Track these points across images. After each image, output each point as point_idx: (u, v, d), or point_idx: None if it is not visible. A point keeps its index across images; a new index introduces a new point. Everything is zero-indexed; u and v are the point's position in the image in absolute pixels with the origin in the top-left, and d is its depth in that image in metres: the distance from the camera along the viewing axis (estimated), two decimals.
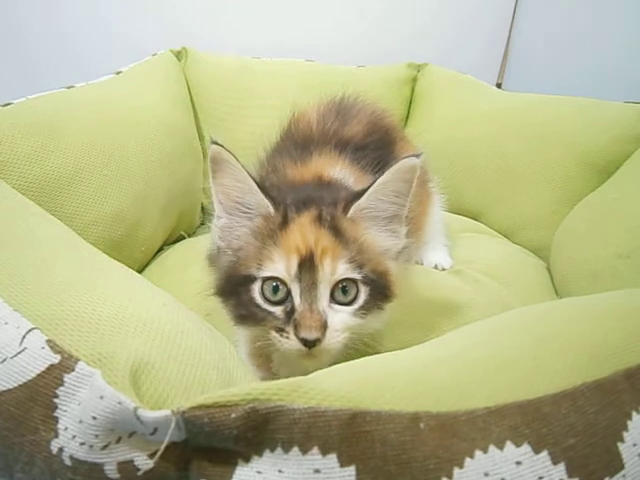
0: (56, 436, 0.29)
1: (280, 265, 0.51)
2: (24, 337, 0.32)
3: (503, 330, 0.41)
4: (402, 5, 1.48)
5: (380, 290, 0.53)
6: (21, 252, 0.42)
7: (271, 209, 0.54)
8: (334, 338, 0.50)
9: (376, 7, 1.47)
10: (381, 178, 0.52)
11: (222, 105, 1.08)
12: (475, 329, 0.42)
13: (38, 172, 0.63)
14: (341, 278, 0.51)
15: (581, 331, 0.39)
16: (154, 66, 0.99)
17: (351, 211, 0.54)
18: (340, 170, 0.65)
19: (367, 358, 0.37)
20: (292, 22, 1.40)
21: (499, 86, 1.55)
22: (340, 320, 0.51)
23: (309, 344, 0.49)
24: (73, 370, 0.30)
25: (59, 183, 0.65)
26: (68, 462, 0.29)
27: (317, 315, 0.50)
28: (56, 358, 0.31)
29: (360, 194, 0.54)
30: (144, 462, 0.29)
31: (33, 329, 0.33)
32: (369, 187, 0.53)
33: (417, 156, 0.51)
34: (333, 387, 0.30)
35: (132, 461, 0.29)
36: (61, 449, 0.29)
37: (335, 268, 0.51)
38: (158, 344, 0.34)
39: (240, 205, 0.55)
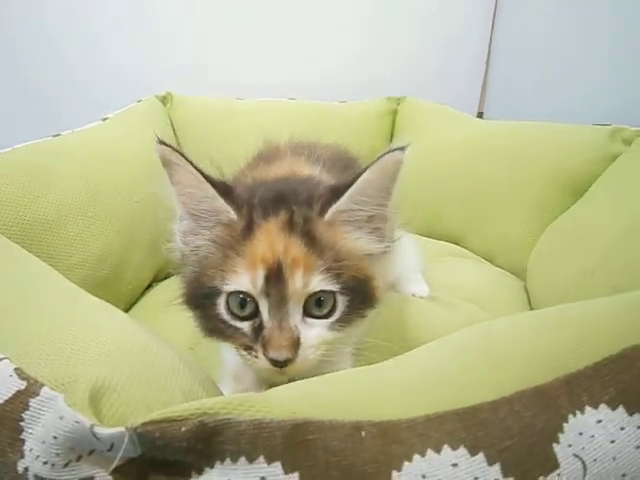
0: (22, 457, 0.31)
1: (245, 278, 0.46)
2: None
3: (451, 345, 0.43)
4: (381, 41, 1.55)
5: (362, 298, 0.49)
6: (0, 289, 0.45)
7: (232, 215, 0.49)
8: (308, 355, 0.47)
9: (356, 44, 1.53)
10: (363, 176, 0.47)
11: (207, 146, 1.12)
12: (426, 347, 0.44)
13: (22, 216, 0.66)
14: (315, 291, 0.47)
15: (526, 340, 0.41)
16: (140, 111, 1.04)
17: (329, 213, 0.49)
18: (314, 168, 0.62)
19: (316, 377, 0.39)
20: (273, 61, 1.46)
21: (481, 115, 1.60)
22: (315, 335, 0.47)
23: (279, 364, 0.46)
24: (38, 394, 0.33)
25: (44, 226, 0.69)
26: None
27: (287, 333, 0.46)
28: (22, 384, 0.33)
29: (339, 192, 0.48)
30: (104, 478, 0.31)
31: (3, 359, 0.35)
32: (349, 185, 0.48)
33: (402, 149, 0.47)
34: (279, 400, 0.32)
35: (93, 478, 0.31)
36: (26, 469, 0.31)
37: (308, 281, 0.46)
38: (122, 369, 0.36)
39: (197, 212, 0.51)
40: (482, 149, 1.11)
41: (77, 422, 0.30)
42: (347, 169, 0.67)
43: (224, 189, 0.50)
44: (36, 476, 0.31)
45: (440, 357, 0.41)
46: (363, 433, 0.32)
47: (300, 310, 0.47)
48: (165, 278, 0.98)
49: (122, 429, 0.30)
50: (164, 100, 1.14)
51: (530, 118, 1.14)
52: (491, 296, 0.83)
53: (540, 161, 1.00)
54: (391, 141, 1.35)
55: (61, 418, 0.30)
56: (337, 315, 0.48)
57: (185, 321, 0.75)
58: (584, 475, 0.33)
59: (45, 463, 0.31)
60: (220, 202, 0.49)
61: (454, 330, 0.70)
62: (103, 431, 0.30)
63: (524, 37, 1.50)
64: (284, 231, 0.48)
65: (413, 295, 0.83)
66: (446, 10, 1.51)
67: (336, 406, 0.33)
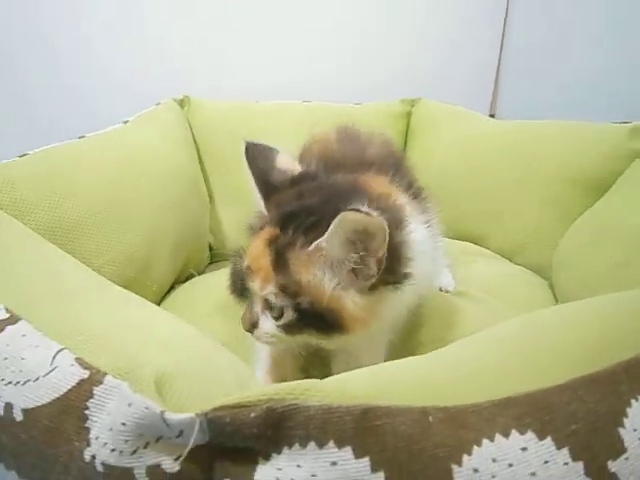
0: (88, 445, 0.31)
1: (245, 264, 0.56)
2: (54, 357, 0.35)
3: (505, 335, 0.43)
4: (389, 41, 1.54)
5: (319, 321, 0.52)
6: (46, 285, 0.45)
7: (265, 214, 0.58)
8: (262, 337, 0.56)
9: (364, 44, 1.52)
10: (329, 228, 0.49)
11: (225, 148, 1.12)
12: (477, 337, 0.44)
13: (55, 216, 0.66)
14: (266, 297, 0.54)
15: (581, 327, 0.41)
16: (159, 114, 1.04)
17: (311, 247, 0.51)
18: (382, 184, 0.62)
19: (381, 364, 0.39)
20: (287, 64, 1.46)
21: (492, 117, 1.61)
22: (268, 327, 0.55)
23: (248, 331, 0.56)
24: (102, 383, 0.33)
25: (75, 226, 0.69)
26: (100, 468, 0.31)
27: (249, 314, 0.56)
28: (85, 373, 0.33)
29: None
30: (171, 465, 0.31)
31: (62, 349, 0.35)
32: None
33: (357, 210, 0.47)
34: (344, 387, 0.32)
35: (160, 465, 0.31)
36: (93, 457, 0.31)
37: (262, 287, 0.53)
38: (179, 359, 0.36)
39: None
40: (499, 149, 1.11)
41: (147, 408, 0.30)
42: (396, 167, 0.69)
43: (267, 193, 0.59)
44: (103, 463, 0.31)
45: (494, 346, 0.41)
46: (430, 418, 0.31)
47: (260, 304, 0.55)
48: (186, 280, 0.98)
49: (192, 415, 0.30)
50: (182, 103, 1.14)
51: (542, 119, 1.14)
52: (517, 292, 0.83)
53: (558, 159, 1.00)
54: (405, 143, 1.36)
55: (129, 405, 0.30)
56: (283, 322, 0.54)
57: (211, 320, 0.76)
58: None
59: (113, 450, 0.31)
60: (262, 203, 0.59)
61: (485, 324, 0.70)
62: (173, 417, 0.30)
63: (537, 37, 1.50)
64: (265, 243, 0.55)
65: (440, 289, 0.83)
66: (457, 10, 1.51)
67: (402, 392, 0.33)
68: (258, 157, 0.62)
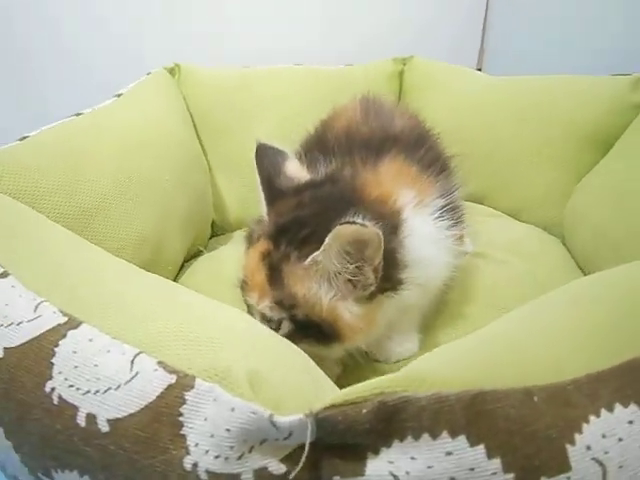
0: (187, 453, 0.30)
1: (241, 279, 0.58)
2: (133, 362, 0.33)
3: (572, 302, 0.42)
4: (376, 2, 1.51)
5: (316, 332, 0.52)
6: (92, 282, 0.42)
7: (265, 220, 0.58)
8: None
9: (345, 5, 1.49)
10: (325, 240, 0.49)
11: (220, 116, 1.07)
12: (542, 304, 0.44)
13: (69, 201, 0.63)
14: (262, 311, 0.54)
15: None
16: (151, 85, 0.99)
17: (308, 261, 0.51)
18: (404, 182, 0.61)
19: (460, 341, 0.38)
20: (273, 28, 1.41)
21: (479, 71, 1.59)
22: None
23: None
24: (193, 387, 0.31)
25: (89, 211, 0.65)
26: (204, 476, 0.29)
27: None
28: (172, 378, 0.32)
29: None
30: (277, 467, 0.29)
31: (139, 353, 0.33)
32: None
33: (352, 223, 0.47)
34: (449, 373, 0.31)
35: (266, 467, 0.29)
36: (195, 465, 0.29)
37: (259, 302, 0.54)
38: (263, 352, 0.34)
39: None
40: (497, 107, 1.09)
41: (254, 413, 0.28)
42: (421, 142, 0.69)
43: (271, 198, 0.59)
44: (207, 471, 0.29)
45: (562, 313, 0.41)
46: (535, 398, 0.31)
47: (258, 316, 0.55)
48: (193, 257, 0.95)
49: (301, 416, 0.29)
50: (172, 72, 1.08)
51: (529, 73, 1.12)
52: (534, 250, 0.83)
53: (560, 115, 0.99)
54: (399, 102, 1.33)
55: (232, 410, 0.29)
56: (281, 333, 0.52)
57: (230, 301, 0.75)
58: None
59: (217, 457, 0.29)
60: (264, 209, 0.59)
61: (509, 284, 0.72)
62: (283, 420, 0.28)
63: None
64: (259, 256, 0.55)
65: None
66: None
67: (502, 373, 0.32)
68: (267, 160, 0.62)
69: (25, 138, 0.67)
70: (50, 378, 0.34)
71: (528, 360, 0.34)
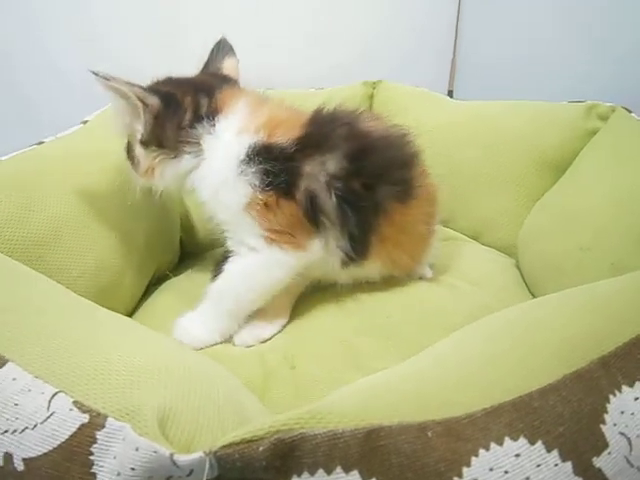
0: None
1: None
2: (50, 401, 0.34)
3: (486, 334, 0.45)
4: (347, 26, 1.54)
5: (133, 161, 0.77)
6: (26, 319, 0.44)
7: None
8: None
9: (318, 28, 1.52)
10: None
11: None
12: (460, 336, 0.46)
13: (22, 233, 0.64)
14: None
15: (557, 326, 0.43)
16: None
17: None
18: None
19: (370, 377, 0.40)
20: (242, 52, 1.43)
21: (450, 94, 1.62)
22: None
23: None
24: (104, 427, 0.33)
25: (43, 241, 0.67)
26: None
27: None
28: (85, 417, 0.33)
29: None
30: None
31: (57, 392, 0.35)
32: None
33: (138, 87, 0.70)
34: (346, 409, 0.33)
35: None
36: None
37: None
38: (176, 391, 0.36)
39: None
40: (459, 131, 1.13)
41: (155, 452, 0.30)
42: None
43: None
44: None
45: (475, 348, 0.43)
46: (429, 433, 0.33)
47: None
48: (158, 282, 0.96)
49: (201, 454, 0.30)
50: None
51: (501, 97, 1.16)
52: (488, 275, 0.86)
53: (519, 139, 1.03)
54: None
55: (137, 449, 0.30)
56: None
57: None
58: (630, 451, 0.35)
59: None
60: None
61: (462, 312, 0.74)
62: (183, 458, 0.30)
63: (492, 13, 1.51)
64: None
65: (420, 277, 0.84)
66: None
67: (399, 408, 0.34)
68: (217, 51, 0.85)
69: None
70: None
71: (430, 394, 0.36)
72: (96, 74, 0.65)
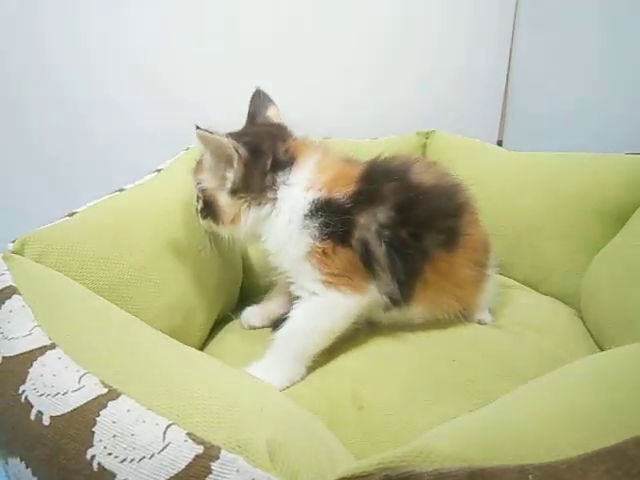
0: None
1: None
2: (165, 432, 0.37)
3: (573, 382, 0.45)
4: (394, 73, 1.59)
5: (212, 211, 0.80)
6: (132, 356, 0.47)
7: None
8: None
9: (369, 77, 1.57)
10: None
11: None
12: (546, 383, 0.47)
13: (108, 274, 0.69)
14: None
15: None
16: (187, 160, 1.07)
17: (201, 156, 0.81)
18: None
19: (462, 419, 0.41)
20: (295, 104, 1.49)
21: (500, 144, 1.65)
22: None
23: None
24: (218, 458, 0.35)
25: (127, 282, 0.71)
26: None
27: None
28: (200, 449, 0.35)
29: None
30: None
31: (171, 424, 0.37)
32: None
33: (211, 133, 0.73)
34: (448, 449, 0.34)
35: None
36: None
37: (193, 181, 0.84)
38: (281, 425, 0.38)
39: None
40: (515, 181, 1.14)
41: None
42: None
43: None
44: None
45: (563, 396, 0.43)
46: (530, 477, 0.33)
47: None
48: (220, 323, 0.98)
49: None
50: None
51: (550, 147, 1.17)
52: (550, 323, 0.85)
53: (577, 191, 1.03)
54: None
55: None
56: (198, 207, 0.86)
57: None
58: None
59: None
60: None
61: (527, 358, 0.73)
62: None
63: (543, 64, 1.55)
64: None
65: (478, 322, 0.85)
66: (461, 39, 1.56)
67: (500, 450, 0.35)
68: (257, 101, 0.89)
69: (73, 214, 0.74)
70: (91, 446, 0.38)
71: (526, 439, 0.37)
72: (198, 128, 0.70)
